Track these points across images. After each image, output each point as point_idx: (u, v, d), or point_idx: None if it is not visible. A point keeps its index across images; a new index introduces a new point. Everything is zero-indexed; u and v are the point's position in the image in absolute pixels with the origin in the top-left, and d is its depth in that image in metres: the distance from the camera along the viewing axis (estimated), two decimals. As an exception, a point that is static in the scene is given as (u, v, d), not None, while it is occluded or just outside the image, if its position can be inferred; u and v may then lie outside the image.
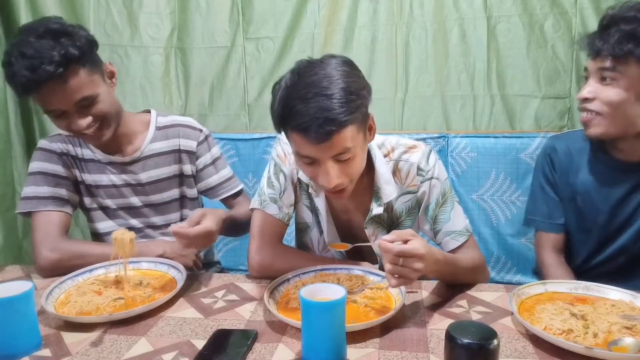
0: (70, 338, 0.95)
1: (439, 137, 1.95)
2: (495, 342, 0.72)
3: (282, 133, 1.22)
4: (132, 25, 2.16)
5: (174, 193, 1.46)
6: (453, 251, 1.20)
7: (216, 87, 2.21)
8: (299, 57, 2.17)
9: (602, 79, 1.17)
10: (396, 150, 1.24)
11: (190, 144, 1.45)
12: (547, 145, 1.41)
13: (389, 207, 1.25)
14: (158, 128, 1.43)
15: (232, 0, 2.12)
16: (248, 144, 2.07)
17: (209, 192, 1.50)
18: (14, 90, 1.19)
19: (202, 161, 1.47)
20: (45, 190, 1.32)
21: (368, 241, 1.26)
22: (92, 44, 1.23)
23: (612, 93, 1.15)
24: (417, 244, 0.94)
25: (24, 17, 2.08)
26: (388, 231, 1.26)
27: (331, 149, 1.00)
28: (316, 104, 0.95)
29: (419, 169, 1.22)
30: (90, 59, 1.22)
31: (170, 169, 1.43)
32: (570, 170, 1.34)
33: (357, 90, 1.00)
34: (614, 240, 1.31)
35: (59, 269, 1.21)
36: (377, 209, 1.21)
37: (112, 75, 1.31)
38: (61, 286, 1.13)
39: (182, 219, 1.48)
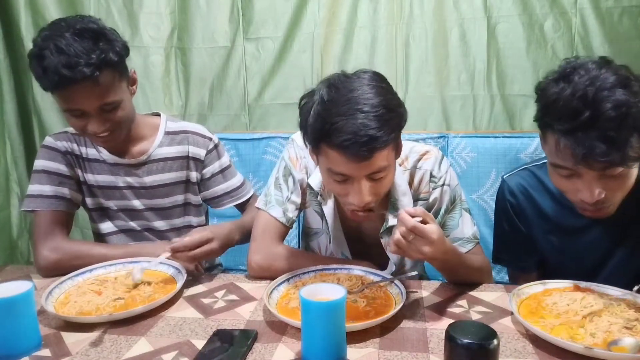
0: (70, 338, 0.95)
1: (439, 137, 1.95)
2: (495, 342, 0.72)
3: (296, 137, 1.22)
4: (132, 25, 2.16)
5: (178, 199, 1.45)
6: None
7: (216, 87, 2.21)
8: (299, 57, 2.19)
9: (605, 176, 0.98)
10: (410, 159, 1.23)
11: (199, 152, 1.43)
12: (505, 189, 1.28)
13: None
14: (167, 133, 1.42)
15: (232, 0, 2.12)
16: (248, 144, 2.07)
17: (213, 200, 1.49)
18: (40, 83, 1.17)
19: (210, 170, 1.45)
20: (48, 189, 1.32)
21: (379, 250, 1.26)
22: (127, 50, 1.24)
23: (625, 181, 1.00)
24: (433, 227, 0.94)
25: (24, 17, 2.08)
26: None
27: (368, 168, 0.99)
28: (358, 122, 0.93)
29: (431, 175, 1.22)
30: (121, 66, 1.23)
31: (176, 175, 1.42)
32: (534, 215, 1.24)
33: (395, 108, 0.99)
34: (602, 268, 1.21)
35: (59, 269, 1.21)
36: (393, 220, 1.19)
37: (133, 82, 1.31)
38: (61, 286, 1.13)
39: (187, 225, 1.47)
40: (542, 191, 1.23)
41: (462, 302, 1.08)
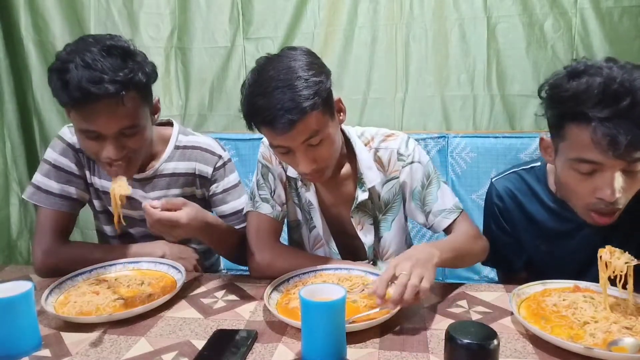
0: (70, 338, 0.95)
1: (439, 137, 1.95)
2: (495, 342, 0.72)
3: (265, 139, 1.25)
4: (132, 25, 2.16)
5: None
6: (447, 229, 1.22)
7: (216, 87, 2.21)
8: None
9: (625, 172, 0.98)
10: (375, 139, 1.27)
11: (206, 170, 1.37)
12: (492, 193, 1.28)
13: (374, 195, 1.27)
14: (177, 147, 1.36)
15: (232, 0, 2.12)
16: (248, 144, 2.07)
17: (222, 218, 1.42)
18: (58, 98, 1.09)
19: (214, 188, 1.39)
20: (54, 186, 1.29)
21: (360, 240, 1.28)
22: (155, 75, 1.18)
23: (638, 179, 0.99)
24: (403, 263, 0.95)
25: (24, 17, 2.08)
26: (374, 220, 1.29)
27: (299, 136, 1.03)
28: (276, 97, 1.00)
29: (399, 154, 1.25)
30: (147, 89, 1.17)
31: (182, 191, 1.37)
32: (522, 218, 1.24)
33: (314, 76, 1.03)
34: (589, 270, 1.17)
35: (57, 272, 1.20)
36: (362, 195, 1.23)
37: (156, 111, 1.25)
38: (61, 286, 1.13)
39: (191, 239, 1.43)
40: (530, 195, 1.23)
41: (462, 302, 1.08)
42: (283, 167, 1.29)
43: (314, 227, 1.32)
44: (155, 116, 1.25)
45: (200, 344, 0.91)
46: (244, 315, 1.04)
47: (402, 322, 0.99)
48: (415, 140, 1.29)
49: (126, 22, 2.15)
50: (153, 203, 1.08)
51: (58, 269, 1.22)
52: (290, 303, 1.05)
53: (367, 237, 1.29)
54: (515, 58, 1.97)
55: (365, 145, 1.26)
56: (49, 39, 2.11)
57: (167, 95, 2.21)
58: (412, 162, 1.24)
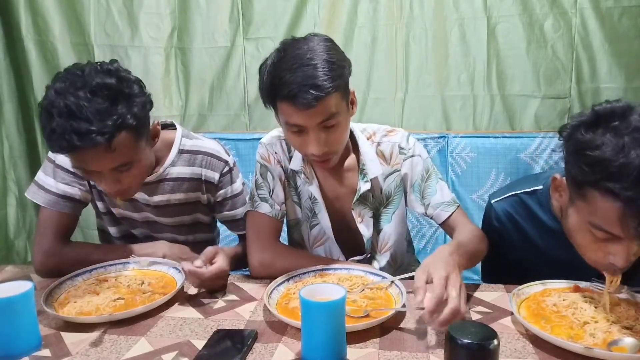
0: (70, 338, 0.95)
1: (439, 137, 1.95)
2: (495, 342, 0.72)
3: (263, 140, 1.30)
4: (132, 25, 2.16)
5: (185, 219, 1.39)
6: (446, 221, 1.25)
7: (216, 87, 2.21)
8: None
9: None
10: (377, 134, 1.31)
11: (213, 176, 1.35)
12: (492, 216, 1.24)
13: (376, 188, 1.29)
14: (181, 151, 1.33)
15: (232, 0, 2.13)
16: (248, 144, 2.08)
17: (228, 224, 1.44)
18: (47, 143, 1.06)
19: (222, 194, 1.38)
20: (57, 186, 1.28)
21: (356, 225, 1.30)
22: (149, 106, 1.15)
23: None
24: (433, 278, 0.94)
25: (24, 17, 2.08)
26: (375, 213, 1.31)
27: (318, 115, 1.07)
28: (302, 73, 1.04)
29: (400, 147, 1.29)
30: (142, 125, 1.12)
31: (186, 196, 1.36)
32: (522, 243, 1.20)
33: (339, 61, 1.09)
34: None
35: (57, 272, 1.20)
36: (364, 186, 1.26)
37: (155, 135, 1.22)
38: (61, 286, 1.13)
39: (193, 242, 1.41)
40: (531, 220, 1.19)
41: (462, 302, 1.07)
42: (282, 167, 1.29)
43: (316, 224, 1.32)
44: (155, 140, 1.23)
45: (200, 344, 0.91)
46: (244, 315, 1.04)
47: (402, 322, 0.99)
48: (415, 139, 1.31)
49: (126, 22, 2.15)
50: (194, 265, 1.09)
51: (59, 270, 1.21)
52: (290, 303, 1.04)
53: (366, 230, 1.31)
54: (515, 58, 1.98)
55: (368, 139, 1.30)
56: (49, 38, 2.12)
57: (167, 95, 2.22)
58: (412, 156, 1.28)
